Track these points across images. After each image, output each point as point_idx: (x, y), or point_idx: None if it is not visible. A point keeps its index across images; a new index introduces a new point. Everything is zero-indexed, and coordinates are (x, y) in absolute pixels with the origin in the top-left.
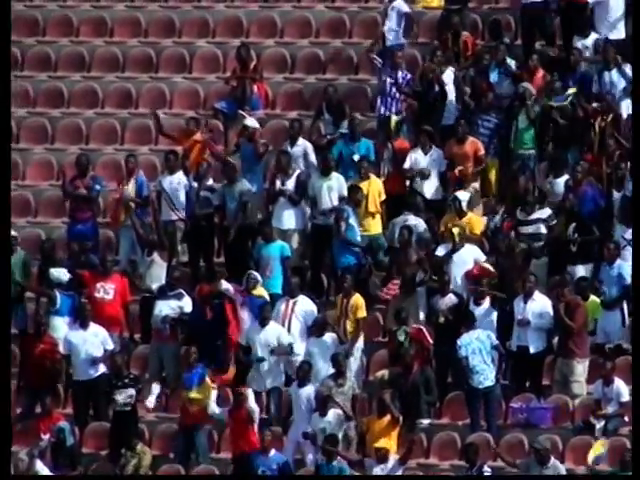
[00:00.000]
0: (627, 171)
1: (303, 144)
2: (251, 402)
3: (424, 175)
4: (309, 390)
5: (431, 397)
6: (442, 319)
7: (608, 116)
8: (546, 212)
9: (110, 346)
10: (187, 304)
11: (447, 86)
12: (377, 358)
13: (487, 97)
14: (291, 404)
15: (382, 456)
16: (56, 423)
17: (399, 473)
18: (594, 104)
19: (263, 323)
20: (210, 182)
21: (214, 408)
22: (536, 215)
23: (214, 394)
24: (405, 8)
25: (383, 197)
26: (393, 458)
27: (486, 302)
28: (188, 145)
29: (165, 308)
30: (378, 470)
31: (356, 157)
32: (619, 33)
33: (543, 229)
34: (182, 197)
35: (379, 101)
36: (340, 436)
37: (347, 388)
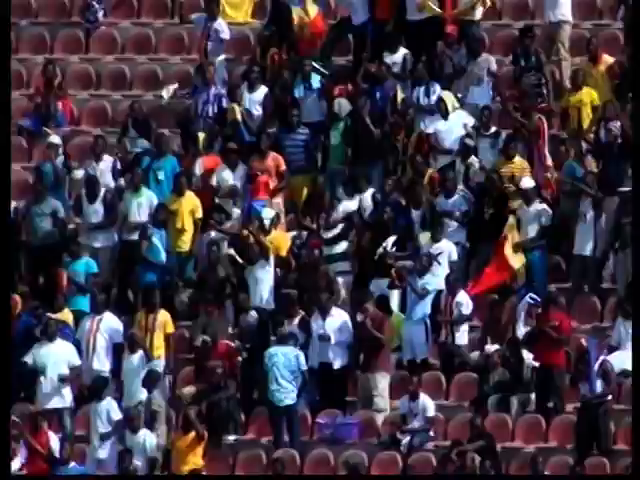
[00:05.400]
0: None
1: (108, 160)
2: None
3: (233, 194)
4: (106, 404)
5: (229, 392)
6: (241, 345)
7: (411, 133)
8: (339, 227)
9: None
10: None
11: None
12: (183, 374)
13: (292, 112)
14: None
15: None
16: None
17: None
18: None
19: (50, 340)
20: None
21: None
22: (337, 231)
23: None
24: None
25: (199, 214)
26: None
27: (296, 319)
28: None
29: None
30: None
31: (161, 175)
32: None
33: (347, 246)
34: None
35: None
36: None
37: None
